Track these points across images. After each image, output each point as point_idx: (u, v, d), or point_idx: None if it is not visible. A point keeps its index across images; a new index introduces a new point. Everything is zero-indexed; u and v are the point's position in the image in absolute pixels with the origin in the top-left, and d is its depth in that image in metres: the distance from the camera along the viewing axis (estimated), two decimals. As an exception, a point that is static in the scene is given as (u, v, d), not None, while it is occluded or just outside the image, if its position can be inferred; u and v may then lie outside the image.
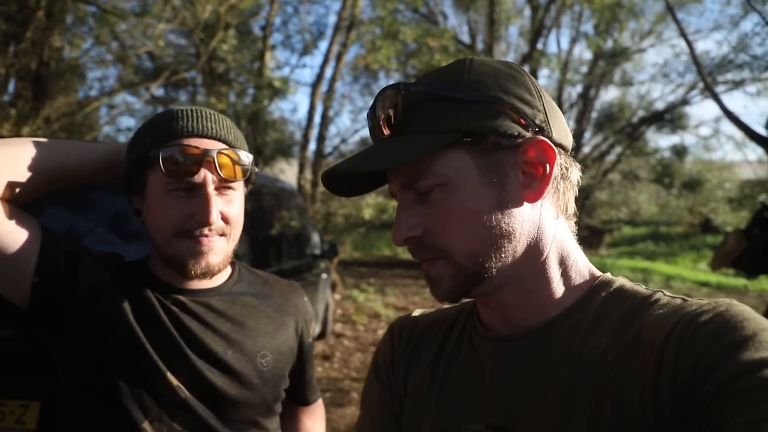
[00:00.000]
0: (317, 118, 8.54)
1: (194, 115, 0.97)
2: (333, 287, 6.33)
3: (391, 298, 8.16)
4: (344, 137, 12.19)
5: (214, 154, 0.93)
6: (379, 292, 8.63)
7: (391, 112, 0.65)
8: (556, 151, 0.64)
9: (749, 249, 4.13)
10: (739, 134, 13.35)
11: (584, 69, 12.83)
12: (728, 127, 19.66)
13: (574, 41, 13.00)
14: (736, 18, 13.10)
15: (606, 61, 11.78)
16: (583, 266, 0.68)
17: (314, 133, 8.78)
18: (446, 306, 0.81)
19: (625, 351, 0.58)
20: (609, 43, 12.01)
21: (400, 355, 0.80)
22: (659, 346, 0.56)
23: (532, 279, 0.66)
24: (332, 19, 23.37)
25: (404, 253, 13.93)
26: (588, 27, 12.64)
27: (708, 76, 10.27)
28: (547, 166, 0.63)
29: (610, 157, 12.95)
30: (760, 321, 0.55)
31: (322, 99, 8.40)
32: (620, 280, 0.67)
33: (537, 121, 0.64)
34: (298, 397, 1.20)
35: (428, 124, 0.63)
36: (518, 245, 0.64)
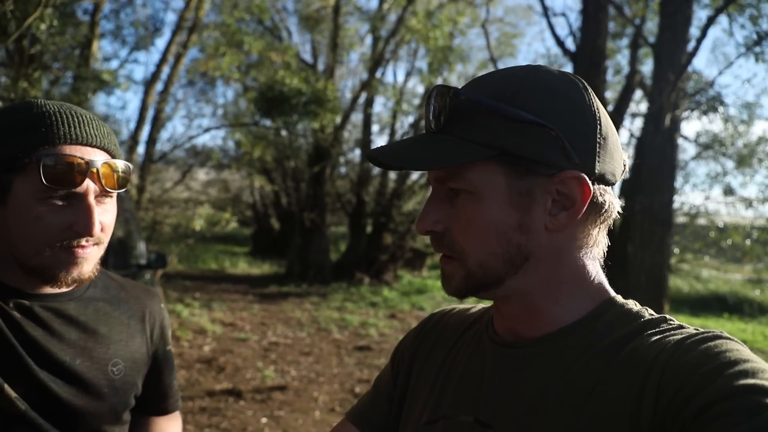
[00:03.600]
0: (148, 120, 7.95)
1: (75, 119, 0.90)
2: (156, 301, 5.92)
3: (218, 314, 7.83)
4: (177, 143, 11.46)
5: (99, 165, 0.89)
6: (205, 306, 8.23)
7: (439, 109, 0.65)
8: (592, 187, 0.63)
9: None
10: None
11: (416, 101, 13.78)
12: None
13: (409, 75, 13.91)
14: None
15: (436, 98, 12.74)
16: (595, 289, 0.68)
17: (144, 135, 8.16)
18: (482, 305, 0.84)
19: (613, 370, 0.60)
20: (439, 81, 13.08)
21: (424, 344, 0.83)
22: (645, 370, 0.57)
23: (539, 299, 0.67)
24: (171, 16, 21.94)
25: (231, 267, 13.44)
26: (422, 64, 13.65)
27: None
28: (578, 201, 0.63)
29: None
30: (744, 352, 0.56)
31: (156, 100, 7.86)
32: (629, 304, 0.68)
33: (581, 154, 0.62)
34: (152, 407, 1.15)
35: (471, 132, 0.63)
36: (531, 266, 0.65)
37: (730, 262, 14.80)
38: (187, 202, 12.29)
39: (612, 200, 0.67)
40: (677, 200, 11.12)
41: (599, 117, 0.64)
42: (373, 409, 0.85)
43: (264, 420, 4.30)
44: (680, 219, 12.23)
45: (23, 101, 0.92)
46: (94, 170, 0.89)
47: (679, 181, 11.69)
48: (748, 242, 11.73)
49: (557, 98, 0.63)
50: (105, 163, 0.91)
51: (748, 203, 12.48)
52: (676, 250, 11.44)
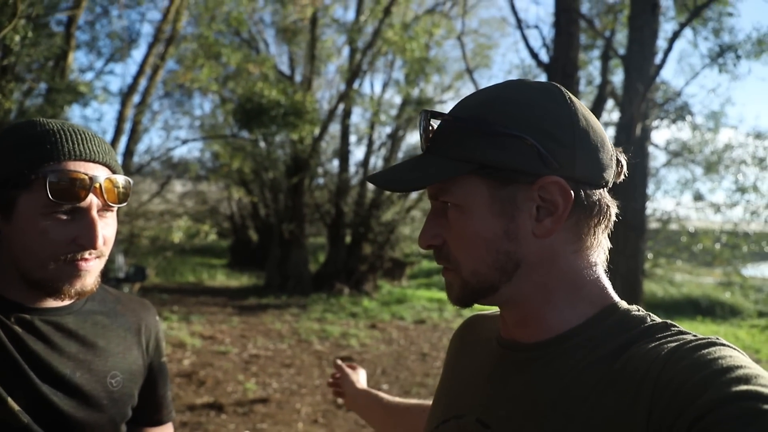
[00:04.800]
0: (126, 132, 7.86)
1: (78, 136, 0.94)
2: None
3: (197, 327, 7.75)
4: (154, 155, 11.34)
5: (102, 181, 0.93)
6: (184, 320, 8.14)
7: (425, 131, 0.71)
8: (573, 190, 0.64)
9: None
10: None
11: (394, 112, 13.87)
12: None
13: (386, 86, 13.99)
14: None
15: (413, 108, 12.90)
16: (597, 295, 0.69)
17: (121, 147, 8.08)
18: None
19: (609, 379, 0.60)
20: (416, 92, 13.20)
21: (456, 347, 0.88)
22: (638, 381, 0.56)
23: (535, 304, 0.68)
24: (147, 27, 21.73)
25: (209, 280, 13.29)
26: (399, 75, 13.76)
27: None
28: (560, 205, 0.64)
29: (413, 195, 14.22)
30: (738, 358, 0.55)
31: (133, 112, 7.81)
32: (632, 309, 0.68)
33: (559, 158, 0.64)
34: (147, 417, 1.17)
35: (452, 150, 0.67)
36: (524, 273, 0.67)
37: (701, 265, 15.16)
38: (164, 214, 12.16)
39: (605, 201, 0.68)
40: (649, 206, 11.38)
41: (576, 121, 0.66)
42: None
43: (247, 432, 4.28)
44: (653, 225, 12.51)
45: (26, 120, 0.95)
46: (97, 185, 0.92)
47: (650, 188, 11.98)
48: (717, 246, 12.05)
49: (530, 108, 0.65)
50: (107, 178, 0.94)
51: (717, 208, 12.83)
52: (650, 255, 11.69)
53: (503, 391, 0.69)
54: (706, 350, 0.56)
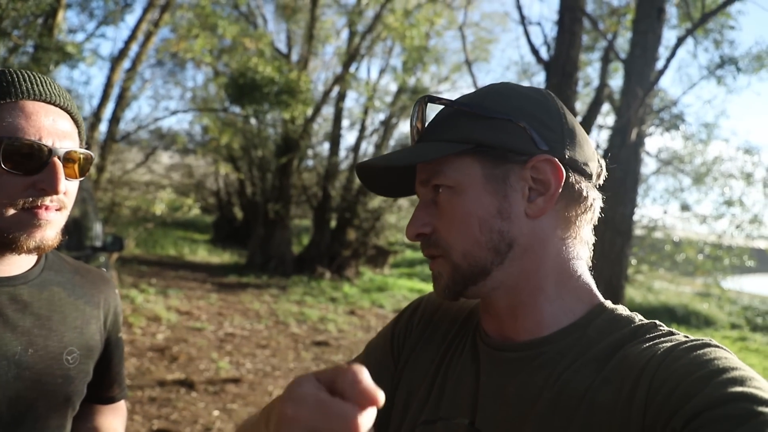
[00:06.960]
0: (113, 97, 7.66)
1: (36, 78, 0.89)
2: (110, 285, 5.75)
3: (174, 301, 7.64)
4: (142, 123, 11.11)
5: (61, 154, 0.88)
6: (161, 293, 8.02)
7: (418, 118, 0.73)
8: (564, 171, 0.67)
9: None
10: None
11: (389, 99, 13.74)
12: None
13: (383, 72, 13.86)
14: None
15: (408, 96, 12.77)
16: (584, 291, 0.70)
17: (108, 113, 7.88)
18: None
19: (603, 378, 0.60)
20: (413, 81, 13.06)
21: (418, 330, 0.82)
22: (634, 378, 0.57)
23: (526, 291, 0.68)
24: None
25: (190, 255, 13.14)
26: (397, 62, 13.61)
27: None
28: (552, 184, 0.66)
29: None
30: (733, 360, 0.56)
31: (122, 77, 7.60)
32: (619, 309, 0.69)
33: (549, 141, 0.67)
34: (99, 395, 1.10)
35: (447, 133, 0.70)
36: (514, 254, 0.67)
37: (683, 275, 15.32)
38: (149, 185, 11.96)
39: (591, 193, 0.70)
40: (637, 213, 11.43)
41: (564, 114, 0.70)
42: None
43: (216, 413, 4.21)
44: (638, 231, 12.58)
45: None
46: (56, 158, 0.87)
47: (639, 195, 12.01)
48: (700, 257, 12.15)
49: (522, 98, 0.69)
50: (68, 152, 0.89)
51: (702, 219, 12.93)
52: (633, 262, 11.76)
53: (498, 394, 0.68)
54: (702, 351, 0.57)
